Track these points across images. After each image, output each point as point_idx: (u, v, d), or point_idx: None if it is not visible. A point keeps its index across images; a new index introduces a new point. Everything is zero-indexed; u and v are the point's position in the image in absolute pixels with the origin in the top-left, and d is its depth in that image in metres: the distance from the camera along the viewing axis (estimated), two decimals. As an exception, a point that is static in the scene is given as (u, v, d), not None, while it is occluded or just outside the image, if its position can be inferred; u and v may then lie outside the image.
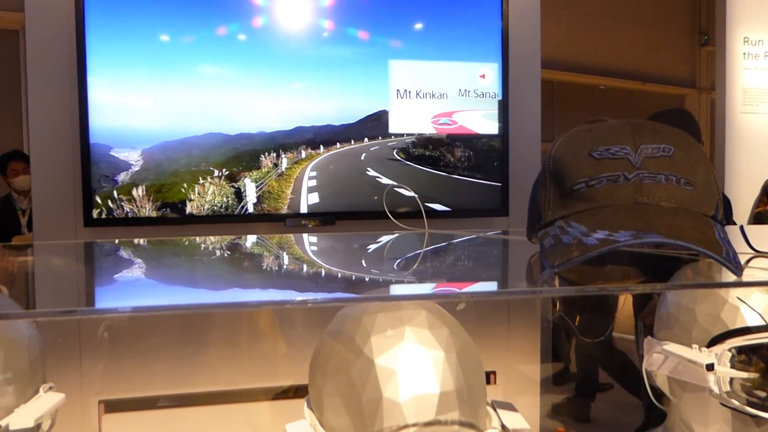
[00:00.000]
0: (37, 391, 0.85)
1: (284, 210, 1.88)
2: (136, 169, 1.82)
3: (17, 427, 0.78)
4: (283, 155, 1.90)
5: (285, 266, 1.27)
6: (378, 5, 2.01)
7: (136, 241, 1.68)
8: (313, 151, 1.93)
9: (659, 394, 1.16)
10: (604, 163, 0.73)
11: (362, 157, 1.97)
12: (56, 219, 1.83)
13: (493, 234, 1.63)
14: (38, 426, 0.86)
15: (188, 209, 1.83)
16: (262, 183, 1.87)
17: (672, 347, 1.05)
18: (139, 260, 1.32)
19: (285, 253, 1.39)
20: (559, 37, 7.36)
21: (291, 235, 1.86)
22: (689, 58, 8.97)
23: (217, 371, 1.84)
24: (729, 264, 0.65)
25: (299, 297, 0.75)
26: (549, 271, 0.68)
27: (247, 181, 1.86)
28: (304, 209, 1.89)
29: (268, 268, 1.23)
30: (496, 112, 2.10)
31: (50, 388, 0.87)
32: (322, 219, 1.93)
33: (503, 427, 0.78)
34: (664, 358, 1.07)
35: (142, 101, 1.83)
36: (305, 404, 0.83)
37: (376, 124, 1.98)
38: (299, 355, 1.86)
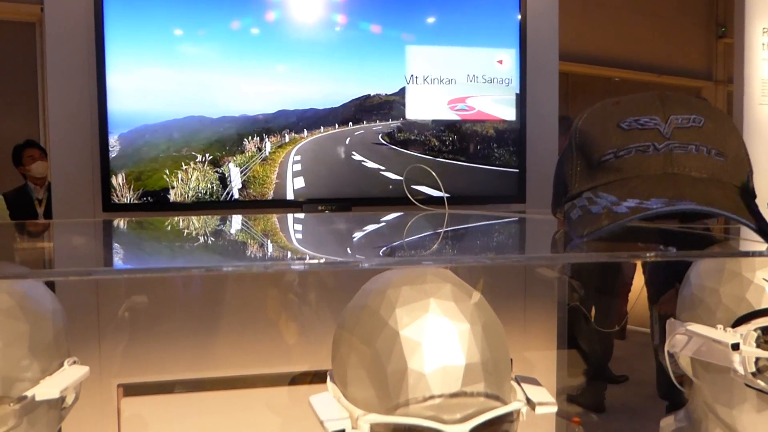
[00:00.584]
0: (61, 365, 0.86)
1: (270, 195, 1.85)
2: (113, 155, 1.76)
3: (43, 398, 0.78)
4: (266, 139, 1.87)
5: (307, 237, 1.27)
6: (392, 1, 1.98)
7: (157, 219, 1.68)
8: (296, 135, 1.90)
9: (677, 380, 1.15)
10: (633, 133, 0.72)
11: (347, 141, 1.95)
12: (75, 205, 1.84)
13: (512, 214, 1.63)
14: (63, 398, 0.87)
15: (171, 197, 1.79)
16: (246, 168, 1.84)
17: (696, 327, 1.04)
18: (160, 233, 1.33)
19: (304, 228, 1.39)
20: (573, 29, 7.29)
21: (308, 215, 1.85)
22: (706, 50, 8.87)
23: (236, 356, 1.85)
24: (763, 233, 0.64)
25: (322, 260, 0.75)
26: (577, 242, 0.67)
27: (231, 165, 1.83)
28: (290, 194, 1.87)
29: (289, 239, 1.23)
30: (513, 97, 2.08)
31: (74, 362, 0.88)
32: (339, 205, 1.92)
33: (528, 400, 0.77)
34: (688, 339, 1.06)
35: (117, 82, 1.77)
36: (328, 378, 0.83)
37: (360, 108, 1.96)
38: (319, 340, 1.87)
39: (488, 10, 2.08)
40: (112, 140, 1.76)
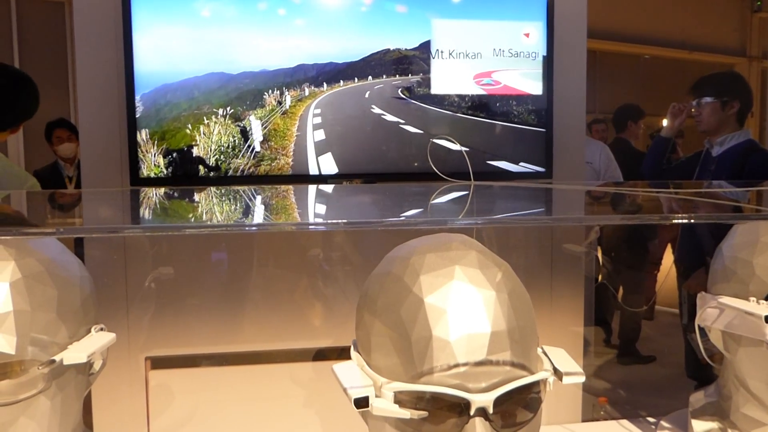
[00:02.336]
0: (89, 331, 0.87)
1: (291, 148, 1.86)
2: (136, 116, 1.79)
3: (71, 362, 0.79)
4: (286, 93, 1.88)
5: (332, 206, 1.26)
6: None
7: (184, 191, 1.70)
8: (316, 89, 1.91)
9: (707, 356, 1.13)
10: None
11: (366, 95, 1.95)
12: (103, 179, 1.86)
13: (540, 184, 1.60)
14: (90, 364, 0.88)
15: (195, 152, 1.82)
16: (267, 121, 1.86)
17: (728, 300, 1.02)
18: (195, 202, 1.34)
19: (328, 199, 1.39)
20: (601, 5, 7.14)
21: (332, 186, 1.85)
22: (739, 26, 8.62)
23: (262, 331, 1.86)
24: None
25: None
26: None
27: (252, 119, 1.85)
28: (311, 146, 1.88)
29: (315, 206, 1.23)
30: (540, 71, 2.04)
31: (101, 329, 0.89)
32: (364, 179, 1.92)
33: (555, 370, 0.76)
34: (719, 312, 1.04)
35: (137, 44, 1.78)
36: (352, 346, 0.83)
37: (380, 62, 1.95)
38: (344, 315, 1.88)
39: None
40: (135, 100, 1.78)
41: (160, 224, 0.79)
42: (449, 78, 2.02)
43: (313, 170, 1.89)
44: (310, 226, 1.21)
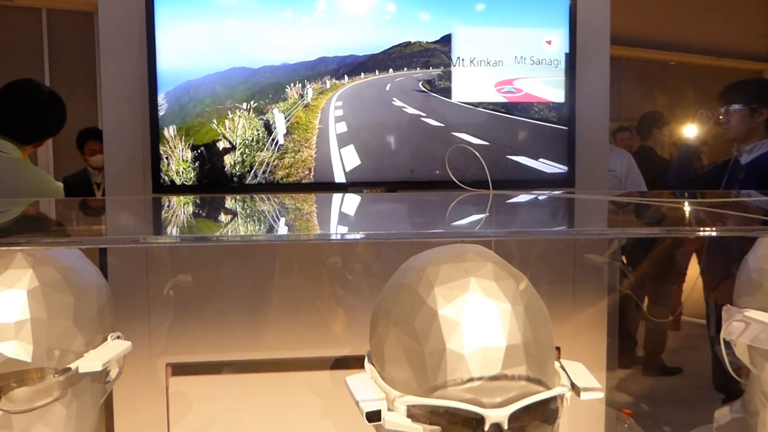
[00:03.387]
0: (105, 339, 0.87)
1: (314, 141, 1.87)
2: (162, 113, 1.82)
3: (86, 370, 0.80)
4: (308, 86, 1.89)
5: (348, 216, 1.26)
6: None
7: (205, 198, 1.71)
8: (337, 81, 1.92)
9: (734, 370, 1.10)
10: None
11: (387, 88, 1.95)
12: (126, 187, 1.88)
13: (560, 194, 1.58)
14: (106, 372, 0.88)
15: (220, 146, 1.84)
16: (289, 114, 1.87)
17: (754, 314, 0.99)
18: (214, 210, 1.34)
19: (347, 208, 1.39)
20: (626, 11, 7.07)
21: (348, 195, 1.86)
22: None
23: (280, 339, 1.86)
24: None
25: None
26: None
27: (275, 112, 1.86)
28: (333, 138, 1.89)
29: (335, 216, 1.23)
30: (562, 79, 2.02)
31: (118, 337, 0.89)
32: (383, 187, 1.92)
33: (573, 385, 0.74)
34: (745, 326, 1.01)
35: (161, 41, 1.81)
36: (366, 358, 0.82)
37: (401, 55, 1.95)
38: (362, 324, 1.87)
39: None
40: (159, 98, 1.81)
41: (171, 237, 0.80)
42: (471, 85, 2.01)
43: (335, 162, 1.90)
44: (330, 237, 1.21)
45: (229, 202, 1.57)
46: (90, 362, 0.80)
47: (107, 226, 1.22)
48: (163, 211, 1.37)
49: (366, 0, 1.93)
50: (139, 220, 1.25)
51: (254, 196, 1.81)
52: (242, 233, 1.09)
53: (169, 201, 1.63)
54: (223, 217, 1.33)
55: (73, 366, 0.79)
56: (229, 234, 1.06)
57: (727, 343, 1.07)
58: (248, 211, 1.36)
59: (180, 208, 1.41)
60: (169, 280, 1.82)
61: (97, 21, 1.88)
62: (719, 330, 1.08)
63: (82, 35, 5.44)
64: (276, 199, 1.67)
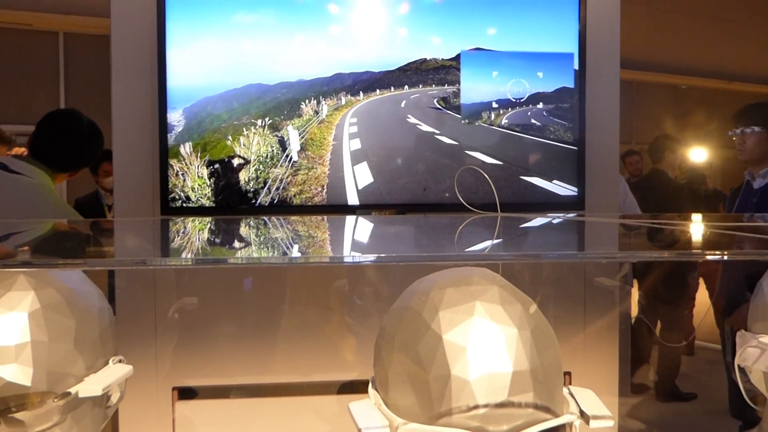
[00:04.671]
0: (107, 363, 0.86)
1: (327, 157, 1.88)
2: (179, 129, 1.84)
3: (86, 395, 0.79)
4: (323, 102, 1.90)
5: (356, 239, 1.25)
6: (450, 10, 1.97)
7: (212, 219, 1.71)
8: (352, 98, 1.92)
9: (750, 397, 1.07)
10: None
11: (402, 105, 1.95)
12: (135, 208, 1.89)
13: (571, 217, 1.56)
14: (107, 397, 0.87)
15: (235, 162, 1.85)
16: (304, 130, 1.87)
17: (769, 340, 0.96)
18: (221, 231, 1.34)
19: (354, 230, 1.38)
20: (638, 36, 7.09)
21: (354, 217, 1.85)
22: (779, 55, 8.46)
23: (286, 363, 1.85)
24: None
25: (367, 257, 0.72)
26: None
27: (289, 129, 1.87)
28: (347, 155, 1.89)
29: (341, 241, 1.22)
30: (572, 104, 2.01)
31: (120, 361, 0.88)
32: (392, 210, 1.91)
33: (582, 413, 0.72)
34: (761, 352, 0.98)
35: (178, 57, 1.84)
36: (370, 384, 0.80)
37: (416, 71, 1.96)
38: (369, 349, 1.85)
39: (548, 14, 2.03)
40: (177, 115, 1.83)
41: (176, 259, 0.79)
42: (480, 107, 2.01)
43: (348, 179, 1.90)
44: (336, 260, 1.20)
45: (239, 226, 1.57)
46: (90, 386, 0.79)
47: (114, 247, 1.22)
48: (171, 233, 1.37)
49: (378, 23, 1.94)
50: (146, 242, 1.25)
51: (264, 218, 1.81)
52: (248, 256, 1.08)
53: (177, 223, 1.63)
54: (231, 240, 1.32)
55: (73, 390, 0.78)
56: (236, 257, 1.06)
57: (742, 369, 1.05)
58: (257, 234, 1.35)
59: (187, 229, 1.41)
60: (175, 303, 1.82)
61: (111, 42, 1.90)
62: (734, 355, 1.06)
63: (99, 58, 5.50)
64: (285, 222, 1.66)
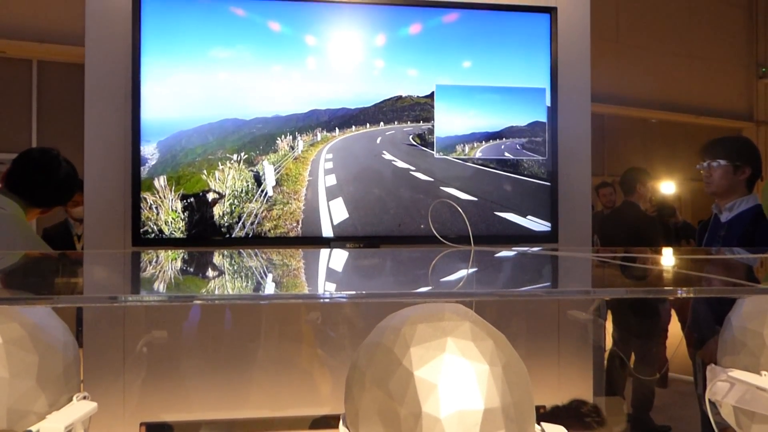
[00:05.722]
0: (70, 399, 0.84)
1: (303, 193, 1.88)
2: (153, 162, 1.83)
3: (48, 433, 0.76)
4: (299, 138, 1.91)
5: (331, 273, 1.24)
6: (426, 43, 2.01)
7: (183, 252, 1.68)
8: (328, 134, 1.94)
9: (720, 430, 1.08)
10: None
11: (378, 141, 1.97)
12: (106, 239, 1.86)
13: (542, 251, 1.57)
14: (70, 435, 0.84)
15: (209, 196, 1.84)
16: (279, 166, 1.88)
17: (739, 374, 0.97)
18: (192, 265, 1.32)
19: (329, 263, 1.37)
20: (608, 71, 7.26)
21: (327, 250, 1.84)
22: (746, 91, 8.72)
23: (258, 398, 1.81)
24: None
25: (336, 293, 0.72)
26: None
27: (265, 164, 1.87)
28: (322, 191, 1.89)
29: (314, 275, 1.21)
30: (545, 135, 2.05)
31: (84, 397, 0.85)
32: (366, 242, 1.90)
33: (553, 450, 0.72)
34: (730, 387, 0.99)
35: (154, 90, 1.84)
36: (341, 421, 0.79)
37: (392, 108, 1.98)
38: (342, 383, 1.83)
39: (520, 49, 2.07)
40: (151, 148, 1.82)
41: (143, 296, 0.78)
42: (454, 140, 2.03)
43: (324, 214, 1.90)
44: (309, 297, 1.19)
45: (213, 257, 1.55)
46: (52, 424, 0.76)
47: (84, 281, 1.19)
48: (142, 266, 1.35)
49: (355, 55, 1.96)
50: (116, 276, 1.23)
51: (241, 251, 1.79)
52: (220, 292, 1.07)
53: (149, 255, 1.60)
54: (203, 273, 1.30)
55: (34, 429, 0.75)
56: (207, 294, 1.04)
57: (713, 403, 1.05)
58: (231, 267, 1.34)
59: (158, 262, 1.39)
60: (144, 336, 1.78)
61: (85, 74, 1.89)
62: (706, 388, 1.06)
63: (72, 87, 5.48)
64: (259, 255, 1.65)
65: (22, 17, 5.37)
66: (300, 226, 1.87)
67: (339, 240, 1.89)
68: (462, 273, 1.12)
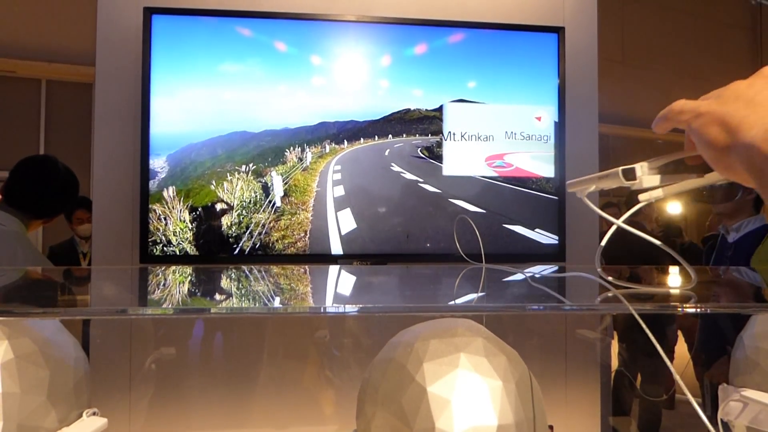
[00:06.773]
0: (80, 415, 0.83)
1: (311, 203, 1.88)
2: (163, 175, 1.84)
3: (58, 449, 0.76)
4: (307, 150, 1.92)
5: (339, 288, 1.24)
6: (432, 64, 2.02)
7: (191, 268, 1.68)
8: (336, 146, 1.95)
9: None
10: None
11: (386, 153, 1.98)
12: (114, 255, 1.86)
13: (552, 271, 1.57)
14: (79, 451, 0.84)
15: (218, 207, 1.84)
16: (288, 177, 1.89)
17: (752, 393, 0.96)
18: (198, 282, 1.32)
19: (337, 281, 1.37)
20: (614, 91, 7.29)
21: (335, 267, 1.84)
22: (751, 112, 8.71)
23: (266, 415, 1.80)
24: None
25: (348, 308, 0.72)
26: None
27: (273, 174, 1.88)
28: (330, 202, 1.90)
29: (322, 292, 1.21)
30: (552, 154, 2.05)
31: (94, 413, 0.85)
32: (373, 260, 1.90)
33: (567, 468, 0.71)
34: (743, 406, 0.98)
35: (164, 105, 1.85)
36: (353, 437, 0.78)
37: (400, 121, 1.99)
38: (349, 400, 1.81)
39: (527, 68, 2.09)
40: (161, 161, 1.83)
41: (151, 309, 0.78)
42: (461, 159, 2.03)
43: (332, 225, 1.90)
44: (317, 311, 1.18)
45: (220, 277, 1.55)
46: (62, 441, 0.76)
47: (91, 295, 1.19)
48: (149, 283, 1.34)
49: (360, 75, 1.97)
50: (124, 291, 1.23)
51: (244, 267, 1.79)
52: (227, 306, 1.06)
53: (157, 271, 1.60)
54: (212, 291, 1.30)
55: (43, 444, 0.75)
56: (217, 307, 1.04)
57: (725, 424, 1.04)
58: (236, 285, 1.33)
59: (165, 279, 1.39)
60: (152, 354, 1.78)
61: (95, 92, 1.91)
62: (716, 410, 1.05)
63: (80, 106, 5.53)
64: (265, 271, 1.65)
65: (31, 37, 5.43)
66: (308, 236, 1.88)
67: (347, 258, 1.89)
68: (473, 290, 1.12)
